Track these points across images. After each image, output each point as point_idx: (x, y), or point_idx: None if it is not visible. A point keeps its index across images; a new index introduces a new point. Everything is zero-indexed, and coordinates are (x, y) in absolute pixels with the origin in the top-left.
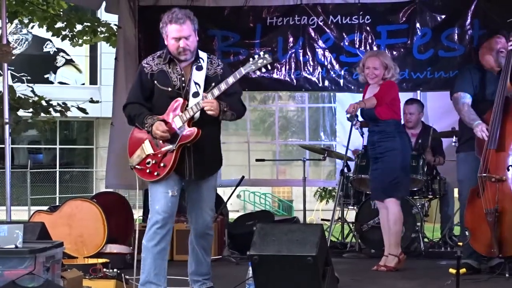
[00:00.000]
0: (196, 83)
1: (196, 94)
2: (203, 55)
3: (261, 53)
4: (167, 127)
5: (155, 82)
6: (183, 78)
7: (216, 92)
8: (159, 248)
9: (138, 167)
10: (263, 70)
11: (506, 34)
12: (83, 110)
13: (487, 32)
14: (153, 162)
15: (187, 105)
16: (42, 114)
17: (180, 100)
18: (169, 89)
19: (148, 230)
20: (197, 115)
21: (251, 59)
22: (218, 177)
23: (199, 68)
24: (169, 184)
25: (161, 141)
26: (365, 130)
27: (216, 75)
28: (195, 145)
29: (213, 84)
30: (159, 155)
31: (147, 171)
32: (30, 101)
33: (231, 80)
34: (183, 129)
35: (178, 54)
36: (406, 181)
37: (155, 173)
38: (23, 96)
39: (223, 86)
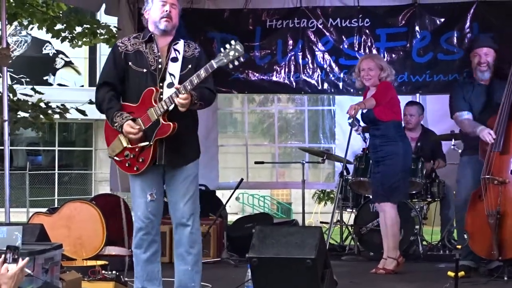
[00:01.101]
0: (171, 74)
1: (170, 85)
2: (180, 44)
3: (232, 41)
4: (142, 120)
5: (130, 63)
6: (159, 60)
7: (188, 86)
8: (148, 255)
9: (117, 158)
10: (236, 63)
11: (490, 43)
12: (82, 112)
13: (474, 39)
14: (132, 156)
15: (161, 93)
16: (41, 116)
17: (153, 89)
18: (144, 70)
19: (134, 235)
20: (171, 106)
21: (222, 49)
22: (216, 180)
23: (174, 60)
24: (148, 184)
25: None
26: (367, 135)
27: (194, 56)
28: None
29: (189, 66)
30: (136, 149)
31: (126, 164)
32: (30, 103)
33: (203, 73)
34: (158, 123)
35: (160, 20)
36: (405, 185)
37: (135, 168)
38: (22, 98)
39: (195, 80)
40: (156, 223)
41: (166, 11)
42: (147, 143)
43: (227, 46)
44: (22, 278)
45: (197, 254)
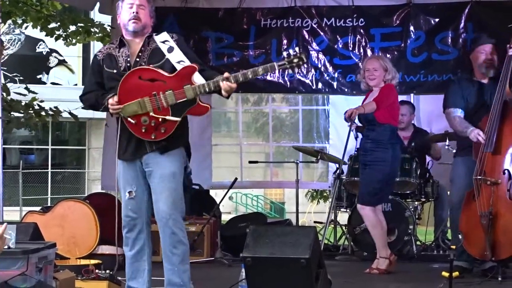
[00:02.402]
0: (179, 61)
1: None
2: (164, 35)
3: (297, 49)
4: (174, 93)
5: (104, 66)
6: (128, 59)
7: (241, 78)
8: (134, 252)
9: (131, 120)
10: (296, 70)
11: (493, 41)
12: (74, 117)
13: (477, 37)
14: (152, 123)
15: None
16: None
17: (195, 67)
18: (114, 71)
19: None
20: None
21: (285, 53)
22: (209, 179)
23: (171, 50)
24: (128, 182)
25: (164, 105)
26: (359, 134)
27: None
28: None
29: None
30: (159, 119)
31: (142, 129)
32: (23, 104)
33: (261, 71)
34: (194, 102)
35: (128, 22)
36: (386, 192)
37: (152, 135)
38: (15, 98)
39: (250, 75)
40: (139, 221)
41: (133, 12)
42: (176, 119)
43: (291, 51)
44: (2, 245)
45: (182, 254)
